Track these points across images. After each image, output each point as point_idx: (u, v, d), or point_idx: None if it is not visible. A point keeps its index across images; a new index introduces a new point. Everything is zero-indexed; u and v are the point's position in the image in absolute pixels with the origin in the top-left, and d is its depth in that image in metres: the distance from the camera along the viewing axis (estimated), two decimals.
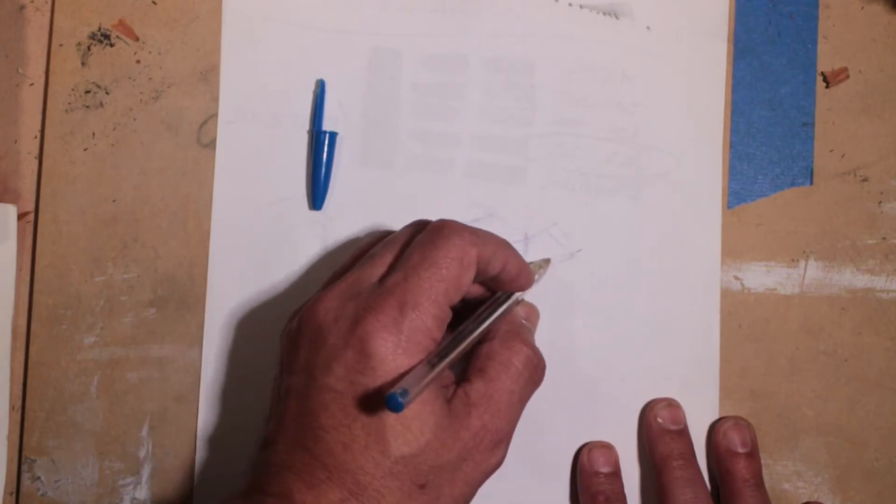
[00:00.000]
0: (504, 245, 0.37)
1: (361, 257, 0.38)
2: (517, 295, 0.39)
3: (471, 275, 0.35)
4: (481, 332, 0.36)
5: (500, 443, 0.36)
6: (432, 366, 0.33)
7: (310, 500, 0.32)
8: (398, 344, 0.32)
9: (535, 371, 0.37)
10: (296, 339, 0.35)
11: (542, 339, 0.44)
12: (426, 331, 0.33)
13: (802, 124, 0.45)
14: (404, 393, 0.30)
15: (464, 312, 0.38)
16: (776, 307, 0.44)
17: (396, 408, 0.30)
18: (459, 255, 0.34)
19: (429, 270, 0.33)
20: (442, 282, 0.33)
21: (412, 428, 0.32)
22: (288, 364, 0.36)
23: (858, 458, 0.44)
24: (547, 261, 0.43)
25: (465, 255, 0.34)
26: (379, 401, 0.32)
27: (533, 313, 0.41)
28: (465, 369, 0.37)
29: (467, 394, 0.35)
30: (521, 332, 0.38)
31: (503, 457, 0.36)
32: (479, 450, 0.34)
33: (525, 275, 0.38)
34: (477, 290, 0.39)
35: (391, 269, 0.35)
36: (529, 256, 0.44)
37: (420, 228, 0.37)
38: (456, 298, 0.34)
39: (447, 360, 0.33)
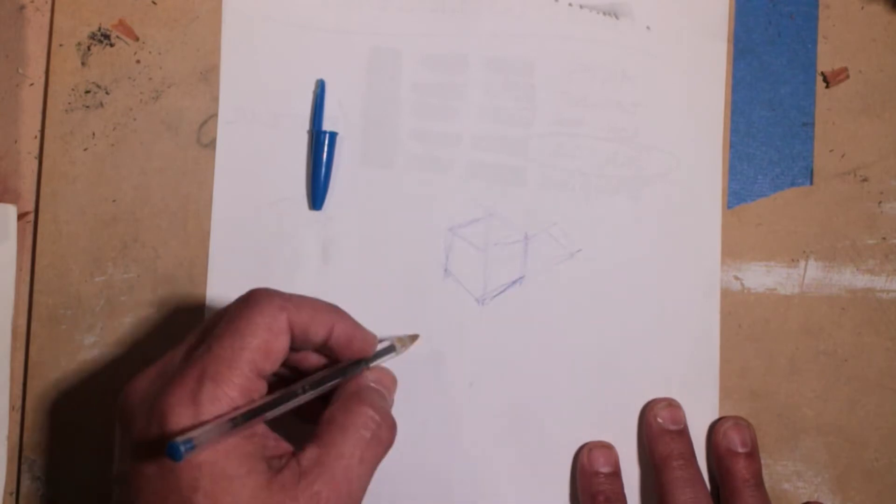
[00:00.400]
0: (329, 311, 0.35)
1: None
2: (365, 362, 0.37)
3: (283, 342, 0.33)
4: (305, 398, 0.34)
5: None
6: (234, 424, 0.31)
7: None
8: (196, 417, 0.31)
9: (378, 430, 0.34)
10: (117, 426, 0.34)
11: (543, 338, 0.44)
12: (228, 401, 0.31)
13: (802, 124, 0.45)
14: (188, 443, 0.28)
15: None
16: (776, 307, 0.44)
17: (175, 456, 0.28)
18: (267, 322, 0.33)
19: (231, 339, 0.32)
20: (245, 350, 0.32)
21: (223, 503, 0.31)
22: (116, 450, 0.34)
23: (858, 458, 0.44)
24: (414, 337, 0.41)
25: (275, 320, 0.33)
26: (188, 479, 0.31)
27: (385, 377, 0.38)
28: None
29: (299, 462, 0.33)
30: (365, 394, 0.36)
31: None
32: None
33: (359, 341, 0.36)
34: (317, 361, 0.37)
35: (199, 343, 0.34)
36: (530, 256, 0.44)
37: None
38: (268, 367, 0.33)
39: (252, 421, 0.31)
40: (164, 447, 0.30)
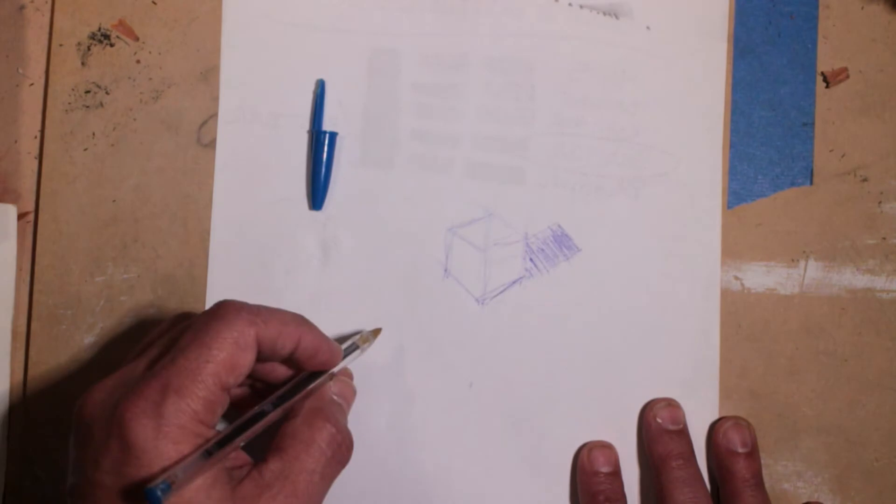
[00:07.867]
0: (296, 322, 0.35)
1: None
2: (330, 373, 0.37)
3: (250, 356, 0.33)
4: (274, 416, 0.34)
5: None
6: (209, 454, 0.31)
7: None
8: (159, 429, 0.30)
9: (338, 449, 0.35)
10: (72, 437, 0.34)
11: (543, 338, 0.44)
12: (192, 414, 0.31)
13: (802, 124, 0.45)
14: (166, 486, 0.28)
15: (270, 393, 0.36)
16: (776, 307, 0.44)
17: (154, 501, 0.28)
18: (235, 337, 0.32)
19: (197, 351, 0.32)
20: (211, 363, 0.32)
21: None
22: (71, 462, 0.34)
23: (858, 458, 0.44)
24: (377, 331, 0.42)
25: (242, 335, 0.33)
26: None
27: (347, 389, 0.39)
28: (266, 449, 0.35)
29: (261, 474, 0.33)
30: (328, 408, 0.36)
31: None
32: None
33: (325, 352, 0.36)
34: (284, 372, 0.37)
35: (162, 354, 0.33)
36: (530, 256, 0.44)
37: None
38: (232, 381, 0.32)
39: (226, 449, 0.31)
40: (123, 458, 0.30)
